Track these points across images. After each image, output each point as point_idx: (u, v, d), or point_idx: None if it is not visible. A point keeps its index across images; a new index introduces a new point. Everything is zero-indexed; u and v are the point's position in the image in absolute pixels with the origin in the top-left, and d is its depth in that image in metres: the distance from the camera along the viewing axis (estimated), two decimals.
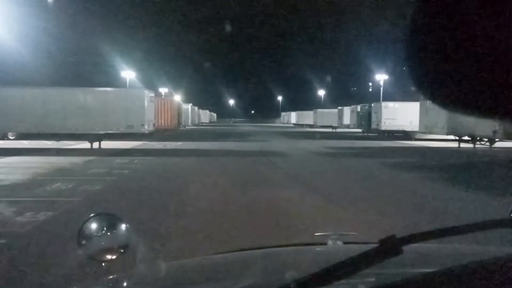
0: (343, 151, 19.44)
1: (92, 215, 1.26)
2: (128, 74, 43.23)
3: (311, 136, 34.63)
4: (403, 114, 28.22)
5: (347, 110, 39.35)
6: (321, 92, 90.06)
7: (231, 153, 17.49)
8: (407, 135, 28.78)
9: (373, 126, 30.38)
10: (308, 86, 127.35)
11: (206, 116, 77.77)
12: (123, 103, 18.04)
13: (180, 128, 34.93)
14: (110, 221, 1.27)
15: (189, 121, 44.17)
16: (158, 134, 27.81)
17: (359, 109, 34.17)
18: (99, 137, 18.76)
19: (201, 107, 78.15)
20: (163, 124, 26.44)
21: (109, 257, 1.20)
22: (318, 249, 1.54)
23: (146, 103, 18.45)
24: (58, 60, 47.01)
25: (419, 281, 0.68)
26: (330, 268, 0.64)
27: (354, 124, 35.12)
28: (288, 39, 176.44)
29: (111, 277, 1.25)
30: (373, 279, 0.92)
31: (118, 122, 18.08)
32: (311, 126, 58.87)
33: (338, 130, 46.05)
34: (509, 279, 0.62)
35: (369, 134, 35.70)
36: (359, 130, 38.53)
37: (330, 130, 46.29)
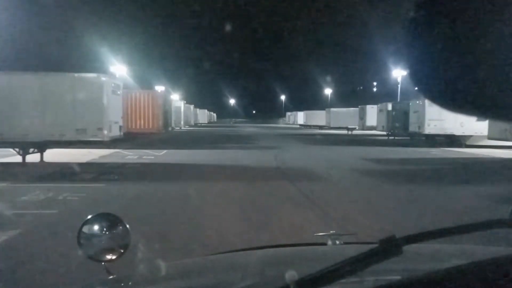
0: (401, 168, 13.16)
1: (92, 215, 1.25)
2: (119, 69, 36.92)
3: (332, 140, 28.41)
4: (451, 115, 21.81)
5: (370, 109, 33.07)
6: (327, 91, 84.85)
7: (234, 173, 11.26)
8: (454, 140, 22.60)
9: (412, 128, 24.09)
10: (311, 86, 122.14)
11: (204, 116, 71.08)
12: (69, 96, 11.77)
13: (171, 130, 28.52)
14: (110, 221, 1.26)
15: (182, 122, 37.53)
16: (142, 138, 21.61)
17: (390, 108, 27.83)
18: (39, 146, 12.52)
19: (201, 106, 73.10)
20: (142, 126, 20.09)
21: (109, 257, 1.21)
22: (318, 249, 1.53)
23: (105, 96, 12.16)
24: (30, 50, 40.69)
25: (419, 281, 0.66)
26: (330, 268, 0.64)
27: (383, 126, 28.78)
28: (289, 38, 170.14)
29: (111, 277, 1.21)
30: (373, 279, 0.90)
31: (61, 125, 11.82)
32: (320, 127, 53.09)
33: (355, 132, 40.17)
34: (509, 279, 0.61)
35: (396, 137, 29.68)
36: (381, 132, 32.65)
37: (345, 132, 40.41)
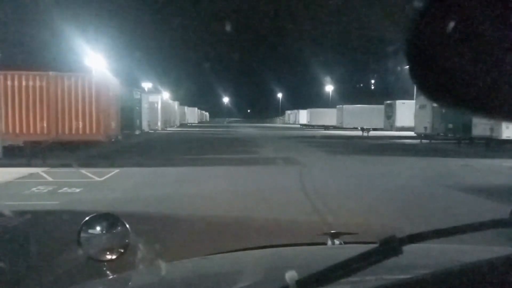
0: None
1: (92, 215, 1.25)
2: (96, 61, 29.25)
3: (359, 146, 21.55)
4: None
5: (401, 106, 26.03)
6: (327, 89, 79.24)
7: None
8: None
9: (478, 131, 17.26)
10: (309, 84, 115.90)
11: (194, 115, 62.95)
12: None
13: (139, 134, 20.81)
14: (110, 221, 1.26)
15: (159, 122, 29.44)
16: (93, 148, 14.46)
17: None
18: None
19: (193, 105, 67.14)
20: (80, 130, 12.68)
21: (109, 257, 1.21)
22: (318, 249, 1.54)
23: None
24: None
25: (419, 281, 0.66)
26: (330, 268, 0.64)
27: (425, 127, 21.79)
28: (286, 33, 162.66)
29: (111, 277, 1.23)
30: (373, 279, 0.90)
31: None
32: (326, 127, 46.39)
33: (372, 133, 33.41)
34: (509, 279, 0.60)
35: (431, 141, 23.08)
36: (404, 133, 26.10)
37: (359, 133, 33.62)
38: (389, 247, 0.64)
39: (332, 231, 1.50)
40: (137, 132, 19.41)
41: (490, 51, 0.39)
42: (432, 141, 24.27)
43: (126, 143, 17.56)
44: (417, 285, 0.64)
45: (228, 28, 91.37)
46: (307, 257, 1.36)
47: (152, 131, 26.63)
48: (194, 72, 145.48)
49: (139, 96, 20.36)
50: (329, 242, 1.45)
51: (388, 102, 27.58)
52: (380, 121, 34.51)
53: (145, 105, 22.30)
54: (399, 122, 26.34)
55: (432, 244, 1.23)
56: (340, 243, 1.44)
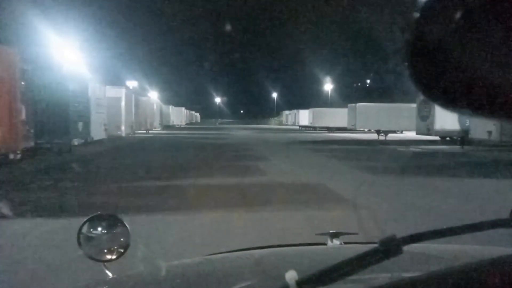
0: None
1: (92, 215, 1.23)
2: (68, 51, 22.81)
3: (400, 158, 15.67)
4: None
5: None
6: (324, 89, 74.64)
7: None
8: None
9: None
10: (305, 83, 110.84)
11: (181, 115, 56.01)
12: None
13: (77, 146, 13.92)
14: (110, 221, 1.24)
15: (123, 126, 21.78)
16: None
17: None
18: None
19: (185, 105, 61.87)
20: None
21: (109, 257, 1.20)
22: (318, 249, 1.53)
23: None
24: None
25: (419, 281, 0.65)
26: (330, 268, 0.64)
27: (489, 132, 15.99)
28: (280, 30, 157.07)
29: (111, 277, 1.20)
30: (373, 279, 0.90)
31: None
32: (329, 129, 40.81)
33: (391, 137, 27.91)
34: (509, 279, 0.60)
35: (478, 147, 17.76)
36: (429, 137, 20.75)
37: (374, 136, 28.08)
38: (389, 247, 0.63)
39: (332, 231, 1.50)
40: (76, 143, 13.03)
41: (490, 50, 0.39)
42: (477, 147, 18.93)
43: (40, 164, 11.16)
44: (417, 285, 0.63)
45: (221, 25, 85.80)
46: (307, 257, 1.37)
47: (112, 138, 19.93)
48: (185, 72, 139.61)
49: (85, 89, 13.83)
50: (329, 242, 1.45)
51: (423, 98, 21.85)
52: (400, 123, 29.03)
53: (101, 101, 15.87)
54: (439, 125, 20.52)
55: (432, 244, 1.21)
56: (340, 243, 1.44)
